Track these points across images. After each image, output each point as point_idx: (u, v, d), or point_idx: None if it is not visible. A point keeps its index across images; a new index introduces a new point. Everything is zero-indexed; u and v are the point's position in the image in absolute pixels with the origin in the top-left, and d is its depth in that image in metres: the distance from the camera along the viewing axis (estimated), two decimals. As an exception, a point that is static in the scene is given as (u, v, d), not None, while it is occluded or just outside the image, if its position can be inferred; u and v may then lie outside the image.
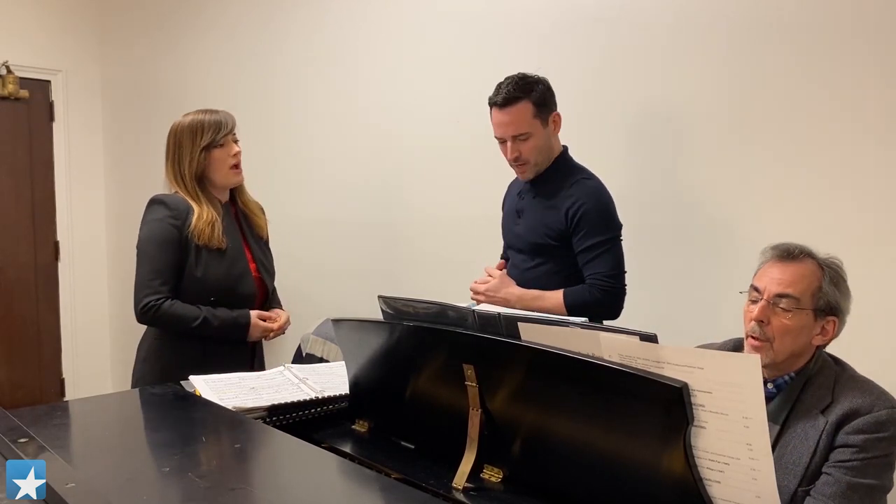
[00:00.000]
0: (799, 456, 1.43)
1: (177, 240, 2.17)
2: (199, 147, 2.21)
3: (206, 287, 2.19)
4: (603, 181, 2.12)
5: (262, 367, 2.35)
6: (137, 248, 2.22)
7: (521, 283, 2.12)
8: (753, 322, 1.51)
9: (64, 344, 4.63)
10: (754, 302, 1.53)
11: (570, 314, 1.97)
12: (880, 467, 1.41)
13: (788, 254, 1.54)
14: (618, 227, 2.08)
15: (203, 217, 2.18)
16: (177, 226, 2.17)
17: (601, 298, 2.01)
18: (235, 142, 2.29)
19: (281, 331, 2.32)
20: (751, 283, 1.56)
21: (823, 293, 1.49)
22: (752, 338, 1.52)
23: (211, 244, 2.18)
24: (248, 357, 2.33)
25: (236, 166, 2.28)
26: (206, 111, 2.26)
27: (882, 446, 1.40)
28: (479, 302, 2.12)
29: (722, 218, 2.22)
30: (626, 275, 2.08)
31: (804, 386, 1.49)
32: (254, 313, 2.26)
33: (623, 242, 2.10)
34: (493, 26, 2.77)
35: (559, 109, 2.20)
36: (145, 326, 2.31)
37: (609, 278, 2.02)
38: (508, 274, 2.17)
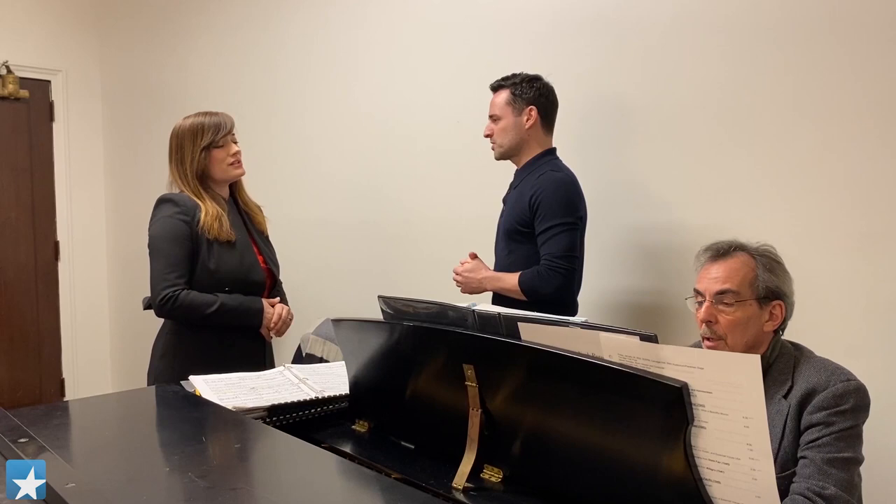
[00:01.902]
0: None
1: (187, 235, 2.24)
2: (200, 147, 2.29)
3: (220, 278, 2.27)
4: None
5: (272, 363, 2.43)
6: (149, 245, 2.28)
7: (501, 270, 2.28)
8: (703, 324, 1.56)
9: (64, 344, 4.63)
10: (700, 304, 1.57)
11: (523, 293, 2.17)
12: (850, 439, 1.42)
13: (720, 252, 1.59)
14: (575, 215, 2.20)
15: (210, 213, 2.26)
16: (186, 221, 2.25)
17: (548, 278, 2.14)
18: (234, 142, 2.36)
19: (281, 322, 2.36)
20: (693, 288, 1.60)
21: (761, 280, 1.54)
22: (706, 339, 1.57)
23: (221, 237, 2.27)
24: (261, 352, 2.39)
25: (235, 163, 2.36)
26: (205, 113, 2.34)
27: (846, 418, 1.42)
28: (458, 284, 2.34)
29: (721, 216, 2.22)
30: (579, 260, 2.21)
31: (765, 374, 1.51)
32: (264, 300, 2.35)
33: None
34: (493, 26, 2.77)
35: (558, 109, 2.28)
36: (149, 326, 2.36)
37: (558, 259, 2.15)
38: (495, 264, 2.35)
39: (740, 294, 1.53)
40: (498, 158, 2.35)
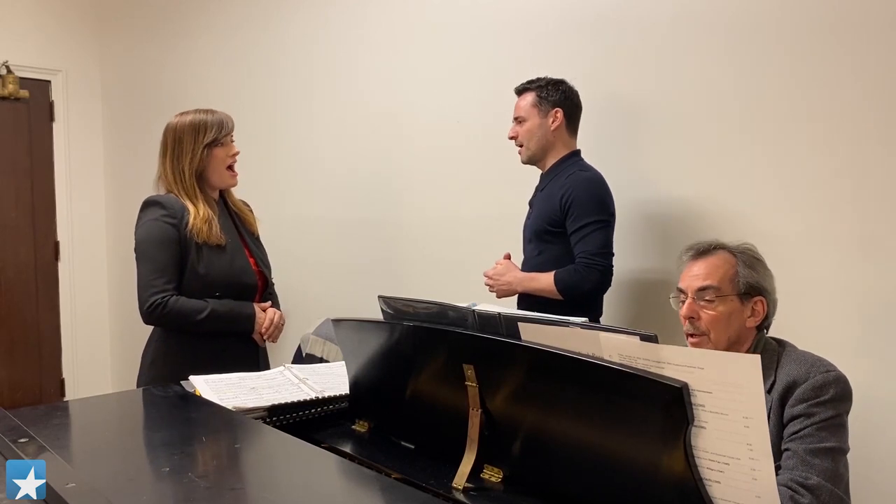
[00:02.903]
0: None
1: (175, 238, 2.17)
2: (202, 144, 2.22)
3: (210, 283, 2.19)
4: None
5: (267, 368, 2.34)
6: (136, 249, 2.21)
7: (530, 271, 2.27)
8: (686, 321, 1.58)
9: (64, 344, 4.63)
10: (683, 302, 1.60)
11: (559, 291, 2.17)
12: (832, 429, 1.42)
13: (700, 250, 1.63)
14: (607, 212, 2.21)
15: (200, 215, 2.19)
16: (174, 224, 2.17)
17: (585, 275, 2.15)
18: (232, 141, 2.30)
19: (273, 327, 2.30)
20: (676, 287, 1.63)
21: (741, 276, 1.57)
22: (689, 335, 1.59)
23: (210, 241, 2.19)
24: (255, 357, 2.33)
25: (232, 167, 2.29)
26: (205, 111, 2.27)
27: (827, 407, 1.43)
28: (490, 287, 2.33)
29: (723, 215, 2.22)
30: (615, 257, 2.21)
31: None
32: (255, 305, 2.29)
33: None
34: (493, 27, 2.78)
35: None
36: (147, 327, 2.29)
37: (595, 256, 2.16)
38: (523, 265, 2.33)
39: (721, 290, 1.56)
40: (525, 162, 2.35)
